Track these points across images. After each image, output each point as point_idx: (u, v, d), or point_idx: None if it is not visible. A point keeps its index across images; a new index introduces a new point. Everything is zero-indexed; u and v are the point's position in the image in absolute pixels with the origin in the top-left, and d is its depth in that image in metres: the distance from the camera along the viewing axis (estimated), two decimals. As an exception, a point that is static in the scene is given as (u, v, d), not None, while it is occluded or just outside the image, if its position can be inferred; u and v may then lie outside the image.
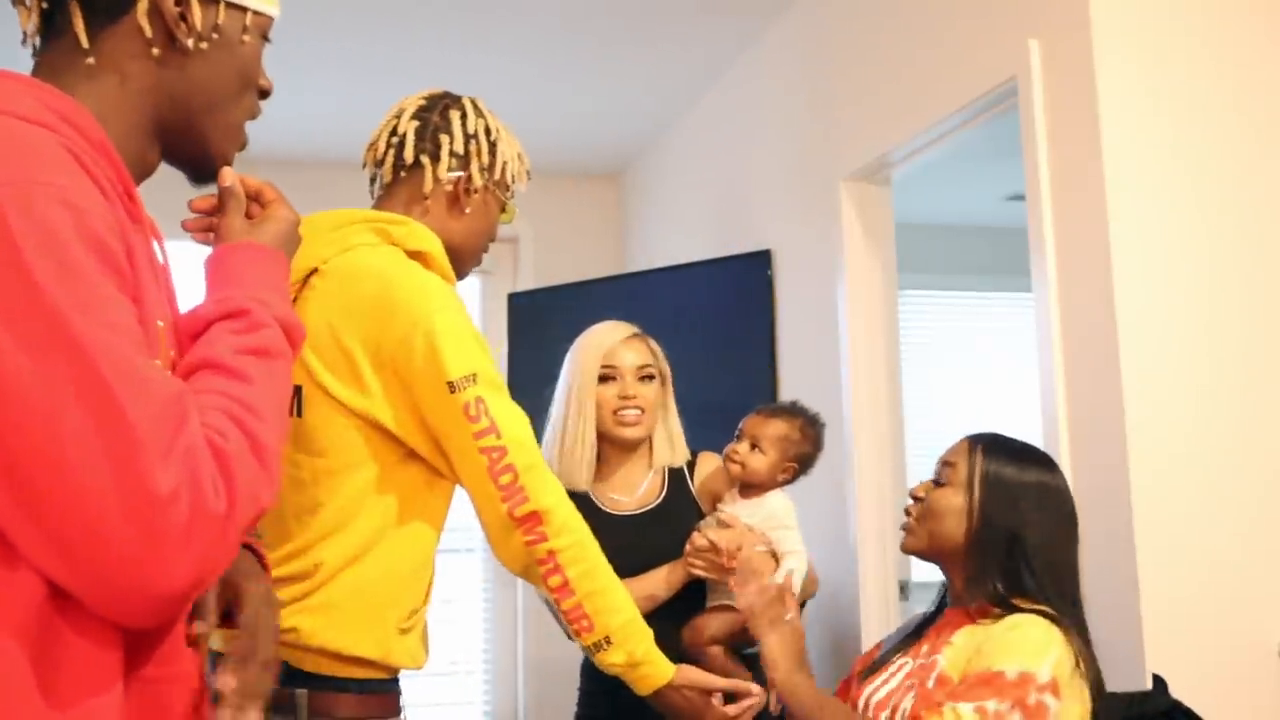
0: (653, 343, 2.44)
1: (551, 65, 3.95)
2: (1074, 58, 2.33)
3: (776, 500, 2.32)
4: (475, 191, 1.78)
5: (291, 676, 1.51)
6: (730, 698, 1.78)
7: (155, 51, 1.05)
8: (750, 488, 2.34)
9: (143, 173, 1.10)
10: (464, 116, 1.79)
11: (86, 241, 0.88)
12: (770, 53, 3.73)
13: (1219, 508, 2.21)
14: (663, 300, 3.84)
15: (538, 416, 4.15)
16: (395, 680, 1.65)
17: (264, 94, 1.16)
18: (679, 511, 2.37)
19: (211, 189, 1.18)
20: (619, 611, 1.67)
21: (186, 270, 1.16)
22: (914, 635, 1.84)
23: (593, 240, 5.15)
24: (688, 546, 2.23)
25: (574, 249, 5.07)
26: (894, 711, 1.69)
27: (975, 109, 2.68)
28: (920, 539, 1.83)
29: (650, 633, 1.71)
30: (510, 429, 1.60)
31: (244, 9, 1.10)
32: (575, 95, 4.23)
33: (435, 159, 1.76)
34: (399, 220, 1.71)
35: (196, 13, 1.06)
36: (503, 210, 1.85)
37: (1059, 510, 1.77)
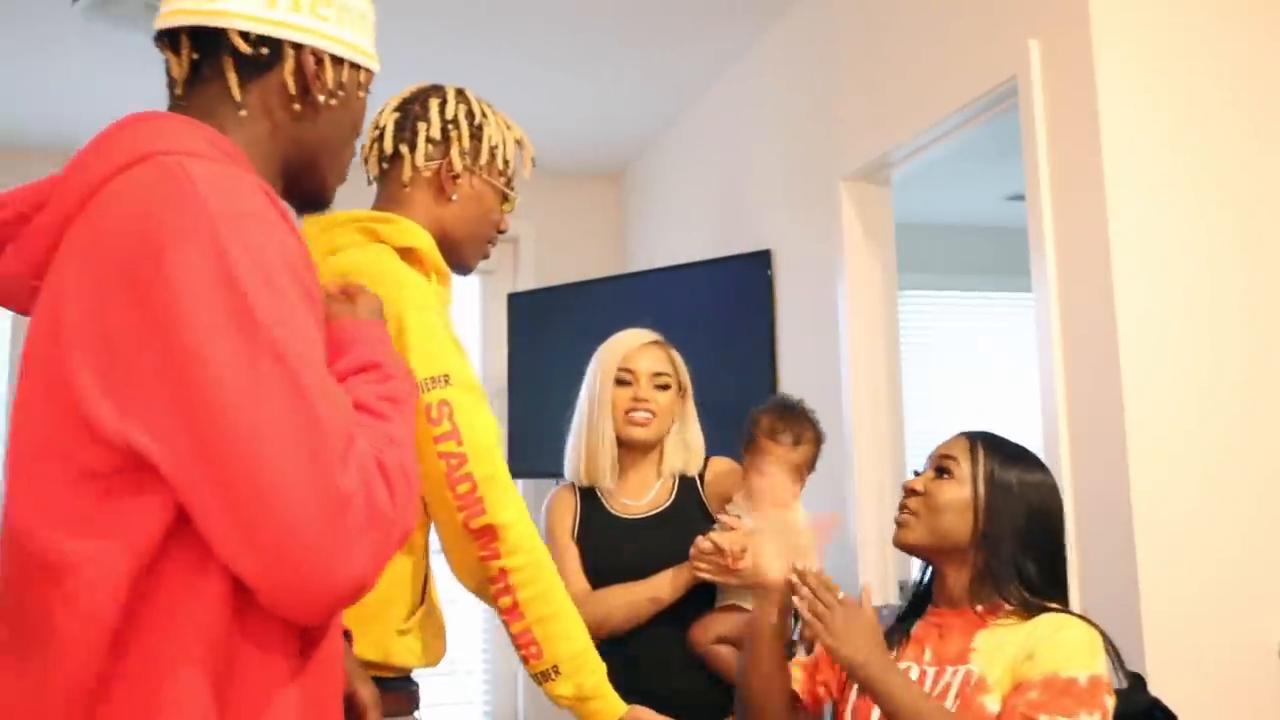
0: (674, 353, 2.43)
1: (552, 65, 3.95)
2: (1074, 57, 2.33)
3: (801, 515, 2.22)
4: (458, 176, 1.74)
5: None
6: None
7: (296, 107, 1.20)
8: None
9: None
10: (443, 103, 1.76)
11: (287, 268, 1.01)
12: (770, 52, 3.73)
13: (1219, 507, 2.21)
14: (663, 300, 3.84)
15: (537, 416, 4.19)
16: (405, 679, 1.63)
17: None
18: (687, 515, 2.37)
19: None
20: (570, 640, 1.59)
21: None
22: (895, 634, 1.76)
23: (593, 240, 5.15)
24: (692, 549, 2.23)
25: (574, 249, 5.07)
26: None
27: (975, 109, 2.69)
28: (920, 533, 1.73)
29: (603, 667, 1.63)
30: (474, 436, 1.54)
31: (359, 67, 1.26)
32: (575, 95, 4.23)
33: (412, 147, 1.73)
34: (386, 218, 1.69)
35: (329, 72, 1.21)
36: (504, 200, 1.81)
37: (1057, 507, 1.76)
